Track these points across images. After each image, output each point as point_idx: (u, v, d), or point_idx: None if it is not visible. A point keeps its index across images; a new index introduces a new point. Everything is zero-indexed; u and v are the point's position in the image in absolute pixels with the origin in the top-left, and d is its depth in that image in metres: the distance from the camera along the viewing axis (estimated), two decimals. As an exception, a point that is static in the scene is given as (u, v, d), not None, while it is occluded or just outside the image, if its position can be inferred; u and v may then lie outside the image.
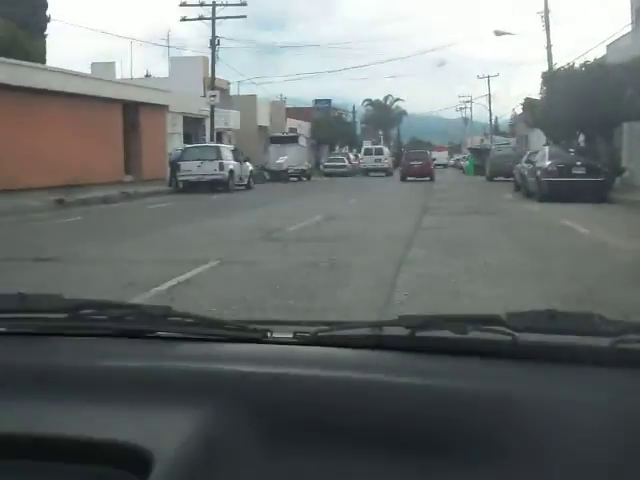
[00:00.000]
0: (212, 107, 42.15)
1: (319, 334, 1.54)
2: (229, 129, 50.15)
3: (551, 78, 31.91)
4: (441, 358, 1.43)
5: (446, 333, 1.42)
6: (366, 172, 58.26)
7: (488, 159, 46.56)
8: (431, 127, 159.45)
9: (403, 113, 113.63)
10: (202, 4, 42.68)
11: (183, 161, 33.23)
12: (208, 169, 32.50)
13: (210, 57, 43.52)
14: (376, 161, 60.07)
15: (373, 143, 75.24)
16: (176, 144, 39.20)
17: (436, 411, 1.29)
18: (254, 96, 60.38)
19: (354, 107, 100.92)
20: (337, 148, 77.72)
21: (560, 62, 35.36)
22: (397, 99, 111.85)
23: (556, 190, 22.76)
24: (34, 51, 31.85)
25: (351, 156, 65.72)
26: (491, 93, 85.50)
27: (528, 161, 27.98)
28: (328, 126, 74.14)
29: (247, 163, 37.05)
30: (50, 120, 27.93)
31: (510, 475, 1.19)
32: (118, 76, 46.27)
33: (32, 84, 27.04)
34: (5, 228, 16.77)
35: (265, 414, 1.30)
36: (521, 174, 28.84)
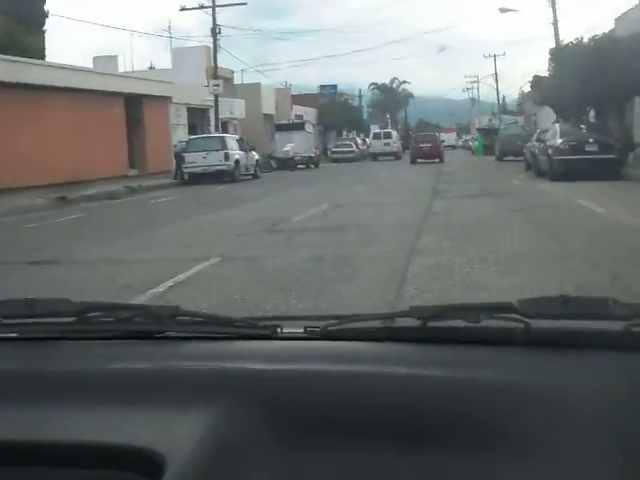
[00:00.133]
0: (216, 97, 41.64)
1: (329, 328, 1.52)
2: (234, 118, 49.67)
3: (559, 54, 31.34)
4: (454, 348, 1.42)
5: (458, 322, 1.40)
6: (375, 157, 57.53)
7: (497, 139, 45.94)
8: (438, 109, 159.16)
9: (410, 96, 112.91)
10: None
11: (188, 153, 32.77)
12: (213, 160, 32.00)
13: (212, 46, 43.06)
14: (385, 145, 59.26)
15: (381, 127, 74.73)
16: (181, 136, 38.76)
17: (450, 402, 1.26)
18: (258, 84, 59.73)
19: (360, 92, 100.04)
20: (344, 133, 77.13)
21: (567, 38, 34.67)
22: (403, 82, 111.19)
23: (569, 168, 22.11)
24: (32, 47, 31.52)
25: (359, 141, 65.19)
26: (498, 72, 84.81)
27: (539, 140, 27.37)
28: (334, 112, 73.45)
29: (253, 152, 36.55)
30: (51, 117, 27.49)
31: (528, 464, 1.16)
32: (121, 69, 45.68)
33: (31, 80, 26.59)
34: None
35: (278, 411, 1.29)
36: (532, 153, 28.23)
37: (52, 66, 29.84)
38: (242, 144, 35.16)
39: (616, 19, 33.34)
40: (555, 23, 37.29)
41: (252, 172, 35.46)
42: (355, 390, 1.31)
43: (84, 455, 1.25)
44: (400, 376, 1.34)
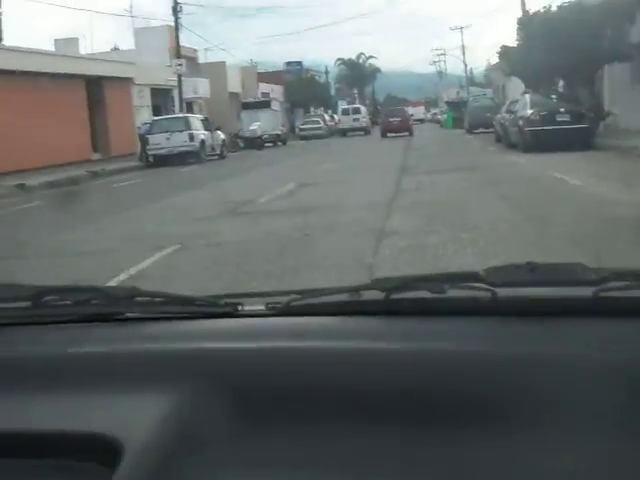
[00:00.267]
0: (179, 76, 40.95)
1: (291, 304, 1.47)
2: (199, 98, 49.02)
3: (527, 23, 30.77)
4: (419, 320, 1.39)
5: (423, 294, 1.36)
6: (343, 132, 57.32)
7: (466, 111, 45.49)
8: (406, 83, 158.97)
9: (377, 70, 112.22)
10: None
11: (152, 134, 31.97)
12: (178, 141, 31.32)
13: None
14: (354, 120, 59.06)
15: (349, 103, 74.31)
16: (145, 117, 38.11)
17: (417, 374, 1.22)
18: (223, 63, 58.89)
19: (326, 68, 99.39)
20: (312, 110, 76.44)
21: (535, 7, 34.25)
22: (370, 57, 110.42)
23: (540, 139, 21.68)
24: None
25: (327, 117, 64.85)
26: (464, 44, 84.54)
27: (509, 111, 27.00)
28: (301, 88, 72.84)
29: (219, 132, 35.98)
30: (10, 102, 26.64)
31: (502, 433, 1.12)
32: (83, 52, 44.71)
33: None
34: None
35: (241, 390, 1.24)
36: (502, 125, 27.80)
37: (10, 50, 28.99)
38: (207, 124, 34.47)
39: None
40: (521, -8, 36.80)
41: (218, 152, 34.91)
42: (319, 365, 1.27)
43: (38, 445, 1.20)
44: (363, 350, 1.30)
